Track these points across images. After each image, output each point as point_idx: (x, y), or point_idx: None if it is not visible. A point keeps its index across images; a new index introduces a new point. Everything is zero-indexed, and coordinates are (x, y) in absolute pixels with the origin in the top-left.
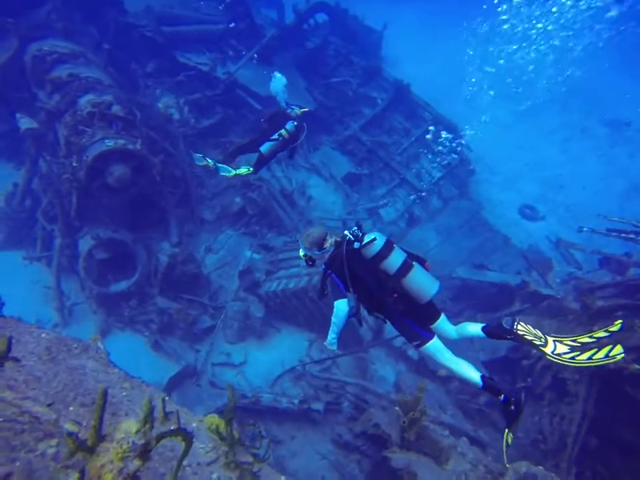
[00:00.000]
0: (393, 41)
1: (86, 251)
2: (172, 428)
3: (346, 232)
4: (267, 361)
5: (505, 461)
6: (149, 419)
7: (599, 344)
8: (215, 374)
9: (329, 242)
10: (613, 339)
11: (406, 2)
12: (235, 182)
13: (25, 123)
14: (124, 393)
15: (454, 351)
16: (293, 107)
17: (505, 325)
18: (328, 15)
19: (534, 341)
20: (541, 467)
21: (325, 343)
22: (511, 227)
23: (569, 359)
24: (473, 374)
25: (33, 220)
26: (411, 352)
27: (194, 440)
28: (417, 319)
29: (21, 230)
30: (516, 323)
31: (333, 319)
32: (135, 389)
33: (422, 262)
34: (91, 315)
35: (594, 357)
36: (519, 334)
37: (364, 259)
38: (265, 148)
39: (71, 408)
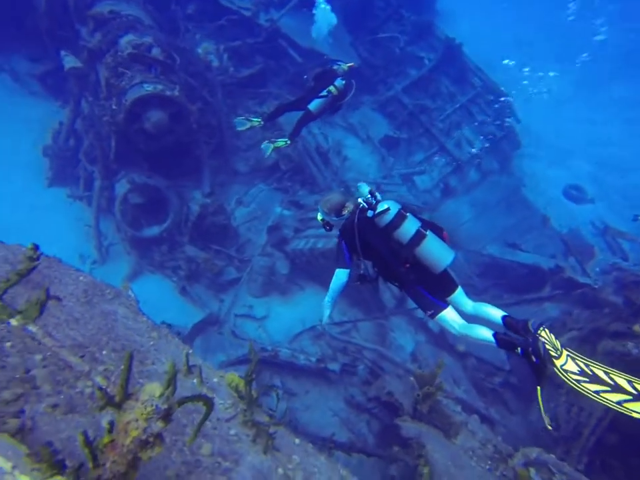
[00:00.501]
0: None
1: (122, 194)
2: (194, 394)
3: (360, 199)
4: (289, 318)
5: (546, 422)
6: (172, 382)
7: (616, 387)
8: (237, 324)
9: (348, 209)
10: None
11: None
12: (270, 135)
13: (69, 61)
14: (151, 342)
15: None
16: (339, 62)
17: (529, 326)
18: None
19: (550, 351)
20: (552, 455)
21: (319, 320)
22: (553, 207)
23: (574, 380)
24: (486, 333)
25: (77, 159)
26: (432, 324)
27: (214, 396)
28: (431, 288)
29: (66, 168)
30: (542, 328)
31: (331, 285)
32: (162, 338)
33: (439, 231)
34: (125, 255)
35: (603, 395)
36: (538, 338)
37: (377, 227)
38: (313, 105)
39: (104, 352)
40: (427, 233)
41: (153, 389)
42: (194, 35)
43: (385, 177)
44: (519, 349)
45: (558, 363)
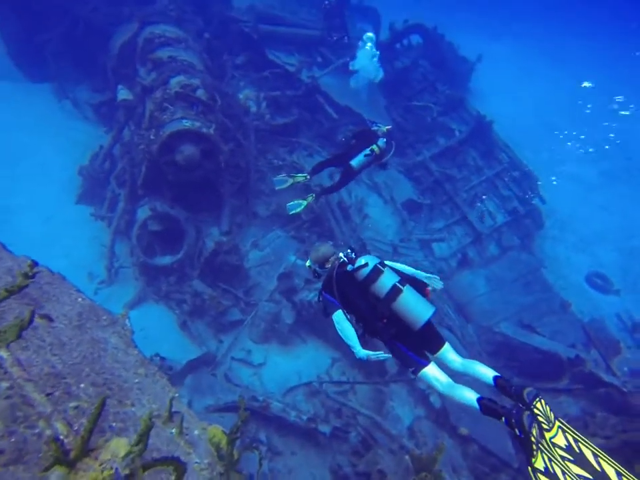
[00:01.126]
0: (484, 74)
1: (142, 219)
2: (167, 454)
3: (340, 254)
4: (286, 369)
5: None
6: (143, 439)
7: (602, 476)
8: (232, 368)
9: (331, 262)
10: None
11: (505, 37)
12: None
13: (123, 94)
14: (136, 380)
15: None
16: (378, 124)
17: (525, 395)
18: (423, 38)
19: (542, 423)
20: None
21: (357, 356)
22: (574, 293)
23: (559, 457)
24: (471, 396)
25: (107, 181)
26: (433, 398)
27: (191, 451)
28: (411, 344)
29: (96, 188)
30: (539, 399)
31: (339, 332)
32: (149, 376)
33: (421, 286)
34: (133, 280)
35: None
36: (523, 410)
37: (356, 281)
38: (355, 162)
39: (82, 385)
40: (404, 288)
41: (118, 447)
42: (238, 82)
43: (403, 240)
44: (503, 418)
45: (548, 435)
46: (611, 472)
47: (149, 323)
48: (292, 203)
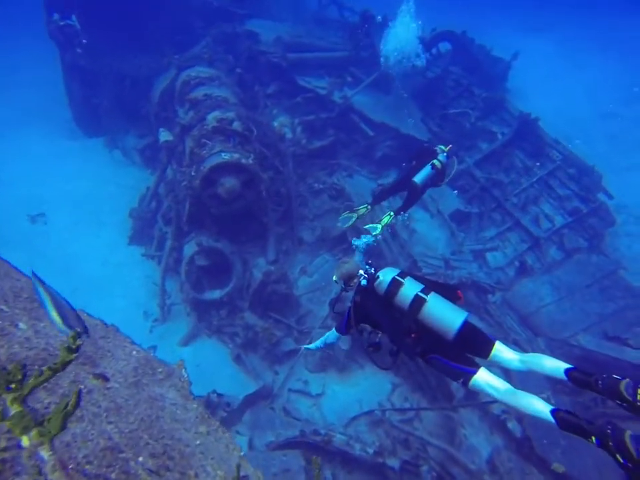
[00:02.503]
0: (522, 71)
1: (189, 256)
2: None
3: (360, 271)
4: (345, 398)
5: None
6: None
7: None
8: (290, 400)
9: (354, 281)
10: None
11: (542, 32)
12: (338, 206)
13: (164, 135)
14: (198, 441)
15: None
16: (439, 146)
17: (624, 390)
18: (452, 44)
19: None
20: None
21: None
22: None
23: None
24: (540, 406)
25: (155, 220)
26: (512, 425)
27: None
28: (451, 354)
29: (145, 229)
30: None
31: (323, 337)
32: (211, 434)
33: (451, 292)
34: (185, 316)
35: None
36: (624, 432)
37: (379, 297)
38: (418, 178)
39: (140, 458)
40: (428, 296)
41: None
42: (272, 110)
43: (454, 253)
44: (593, 438)
45: None
46: None
47: (203, 358)
48: (343, 216)
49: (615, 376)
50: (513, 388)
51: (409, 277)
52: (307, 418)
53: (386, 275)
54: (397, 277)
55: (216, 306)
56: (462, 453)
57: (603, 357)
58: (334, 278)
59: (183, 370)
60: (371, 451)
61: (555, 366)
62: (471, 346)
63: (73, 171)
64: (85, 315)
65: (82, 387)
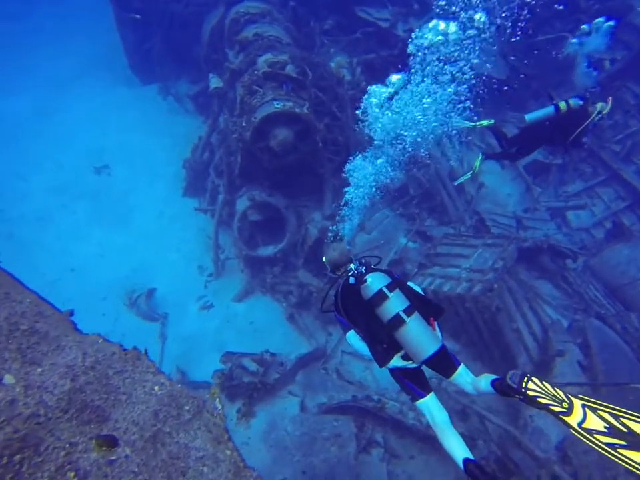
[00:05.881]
0: None
1: (241, 211)
2: None
3: (352, 265)
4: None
5: None
6: None
7: None
8: (343, 362)
9: (342, 271)
10: None
11: None
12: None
13: (214, 82)
14: None
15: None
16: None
17: (509, 381)
18: None
19: (551, 407)
20: None
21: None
22: None
23: (605, 444)
24: (458, 453)
25: (208, 172)
26: None
27: None
28: (410, 373)
29: (198, 180)
30: (525, 380)
31: (354, 347)
32: None
33: (433, 313)
34: (239, 272)
35: None
36: (528, 395)
37: (362, 299)
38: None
39: None
40: (409, 319)
41: None
42: (329, 49)
43: (527, 211)
44: None
45: (572, 420)
46: None
47: (257, 316)
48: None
49: (507, 378)
50: (448, 423)
51: (397, 291)
52: (359, 381)
53: (374, 283)
54: (384, 289)
55: (270, 262)
56: (527, 435)
57: None
58: (323, 259)
59: (217, 400)
60: (424, 421)
61: (487, 383)
62: (436, 367)
63: (130, 121)
64: (102, 340)
65: (72, 474)
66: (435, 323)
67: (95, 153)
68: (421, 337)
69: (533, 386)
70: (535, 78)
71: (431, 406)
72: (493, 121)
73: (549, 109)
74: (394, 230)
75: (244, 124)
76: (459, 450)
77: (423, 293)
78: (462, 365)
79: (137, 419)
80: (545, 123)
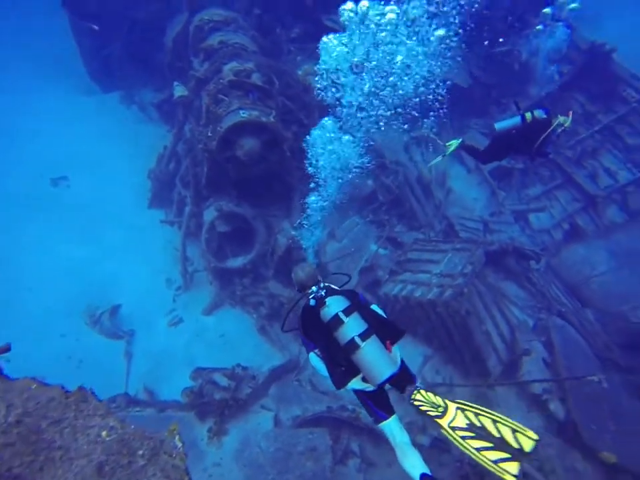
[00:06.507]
0: None
1: (209, 222)
2: None
3: (314, 287)
4: None
5: None
6: None
7: (500, 443)
8: (317, 373)
9: (311, 290)
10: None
11: None
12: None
13: (178, 90)
14: None
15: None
16: None
17: (407, 395)
18: None
19: (428, 412)
20: None
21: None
22: None
23: (460, 437)
24: (415, 471)
25: (174, 183)
26: (554, 406)
27: None
28: (372, 395)
29: (164, 191)
30: (415, 393)
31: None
32: None
33: (391, 337)
34: (208, 284)
35: (483, 453)
36: (414, 405)
37: (322, 321)
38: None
39: None
40: (363, 344)
41: None
42: (295, 57)
43: (493, 214)
44: None
45: (444, 421)
46: (507, 434)
47: (228, 329)
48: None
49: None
50: (408, 444)
51: (354, 315)
52: (334, 391)
53: (331, 307)
54: (340, 314)
55: (239, 274)
56: None
57: None
58: (293, 277)
59: (177, 438)
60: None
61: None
62: (395, 386)
63: (91, 131)
64: (36, 384)
65: None
66: (392, 346)
67: (51, 164)
68: (376, 362)
69: (419, 397)
70: (494, 87)
71: (392, 428)
72: (460, 140)
73: (516, 119)
74: (364, 237)
75: (210, 133)
76: (416, 469)
77: (384, 316)
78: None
79: (78, 473)
80: (512, 132)
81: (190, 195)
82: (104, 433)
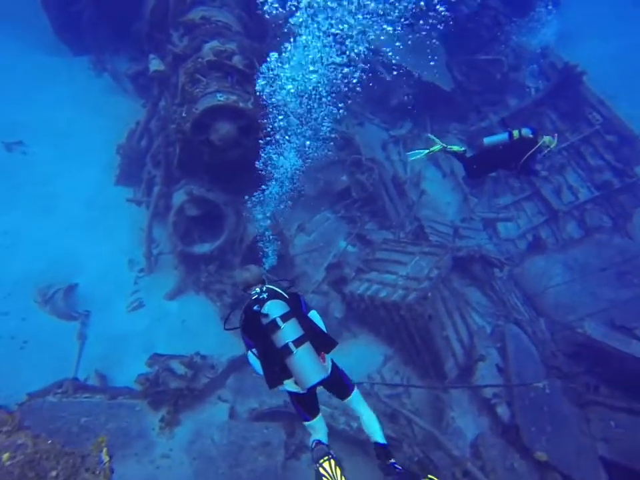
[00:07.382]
0: (577, 9)
1: (178, 204)
2: None
3: (257, 289)
4: None
5: None
6: None
7: None
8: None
9: (254, 291)
10: None
11: None
12: (344, 157)
13: (154, 64)
14: None
15: None
16: None
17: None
18: None
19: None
20: None
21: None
22: None
23: None
24: (315, 436)
25: (144, 161)
26: (501, 409)
27: None
28: (300, 398)
29: (133, 168)
30: (320, 463)
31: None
32: None
33: (326, 344)
34: (173, 269)
35: None
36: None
37: (261, 324)
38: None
39: None
40: (297, 350)
41: None
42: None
43: (464, 220)
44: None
45: None
46: None
47: (190, 315)
48: (413, 151)
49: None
50: (324, 437)
51: (291, 321)
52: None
53: (270, 311)
54: (277, 319)
55: (205, 260)
56: (447, 436)
57: (606, 348)
58: (237, 276)
59: (104, 452)
60: (355, 425)
61: (370, 431)
62: (330, 390)
63: (55, 96)
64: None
65: None
66: (326, 355)
67: (6, 127)
68: (306, 368)
69: (327, 465)
70: (476, 94)
71: (314, 427)
72: (464, 149)
73: (504, 135)
74: (334, 232)
75: (184, 114)
76: (317, 435)
77: (322, 325)
78: (355, 392)
79: None
80: (499, 147)
81: (160, 175)
82: (5, 456)
